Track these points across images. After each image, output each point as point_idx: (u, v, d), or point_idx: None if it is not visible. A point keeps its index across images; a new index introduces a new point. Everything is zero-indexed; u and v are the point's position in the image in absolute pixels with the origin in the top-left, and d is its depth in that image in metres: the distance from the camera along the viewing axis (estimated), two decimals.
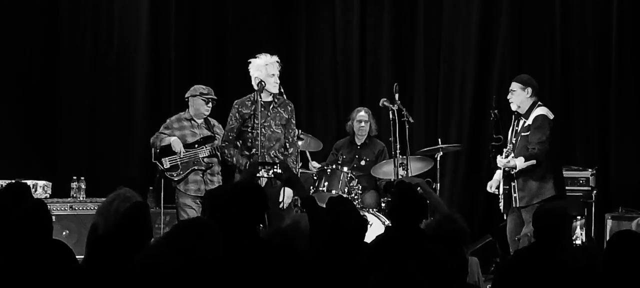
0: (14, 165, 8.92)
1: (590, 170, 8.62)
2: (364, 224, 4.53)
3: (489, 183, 7.60)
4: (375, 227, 7.43)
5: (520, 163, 7.14)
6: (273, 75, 7.01)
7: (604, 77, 9.20)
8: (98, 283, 3.98)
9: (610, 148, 9.19)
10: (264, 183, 6.54)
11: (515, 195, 7.25)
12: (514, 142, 7.28)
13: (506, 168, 7.23)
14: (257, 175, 5.71)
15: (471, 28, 9.57)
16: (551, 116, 7.30)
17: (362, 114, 8.68)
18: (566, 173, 8.20)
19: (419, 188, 5.44)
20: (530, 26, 9.50)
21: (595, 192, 8.57)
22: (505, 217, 7.41)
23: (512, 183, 7.25)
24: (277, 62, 7.07)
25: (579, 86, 9.31)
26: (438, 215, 5.19)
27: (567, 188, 7.92)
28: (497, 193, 7.49)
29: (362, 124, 8.66)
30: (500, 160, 7.21)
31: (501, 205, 7.40)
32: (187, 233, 3.48)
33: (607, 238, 7.92)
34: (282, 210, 6.70)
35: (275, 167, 5.60)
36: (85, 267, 4.15)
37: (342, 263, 3.97)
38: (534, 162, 7.15)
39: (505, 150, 7.23)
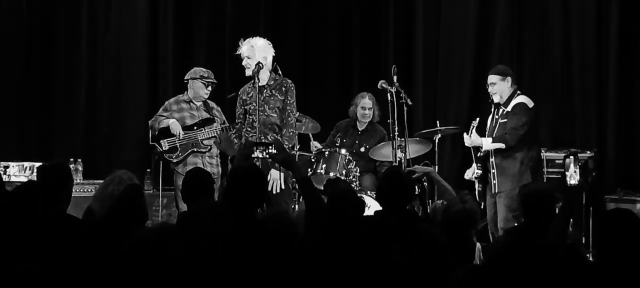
0: (11, 146, 8.91)
1: (589, 152, 8.61)
2: (361, 205, 4.52)
3: (467, 171, 7.63)
4: (373, 209, 7.39)
5: (486, 143, 7.22)
6: (243, 58, 6.91)
7: (603, 58, 9.17)
8: (93, 268, 3.96)
9: (609, 131, 9.17)
10: (259, 164, 6.53)
11: (494, 181, 7.28)
12: (493, 127, 7.32)
13: (471, 147, 7.29)
14: (252, 155, 5.66)
15: (470, 10, 9.55)
16: (531, 104, 7.34)
17: (366, 100, 8.62)
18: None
19: (423, 179, 5.39)
20: (529, 8, 9.47)
21: (594, 174, 8.55)
22: (482, 206, 7.43)
23: (492, 171, 7.27)
24: (248, 43, 6.94)
25: (578, 68, 9.28)
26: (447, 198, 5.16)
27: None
28: (474, 179, 7.52)
29: (366, 110, 8.61)
30: (467, 139, 7.25)
31: (477, 193, 7.42)
32: (201, 217, 3.40)
33: None
34: (278, 195, 6.68)
35: (270, 147, 5.52)
36: (80, 252, 4.13)
37: (339, 244, 3.96)
38: (502, 145, 7.20)
39: (471, 127, 7.25)
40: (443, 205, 4.92)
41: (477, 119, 7.35)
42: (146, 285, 3.24)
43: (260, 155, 5.57)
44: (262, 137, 6.75)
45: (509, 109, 7.29)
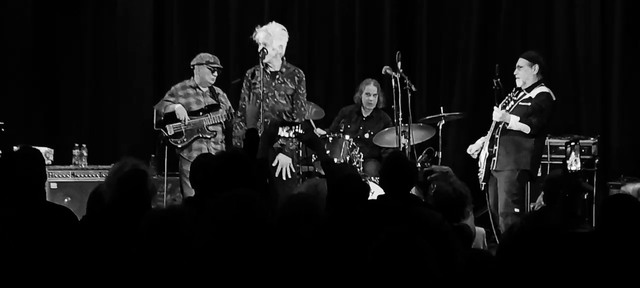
0: (17, 132, 8.93)
1: (592, 138, 8.63)
2: (365, 189, 4.54)
3: (470, 147, 7.66)
4: (377, 194, 7.41)
5: (514, 121, 7.25)
6: (259, 43, 6.85)
7: (607, 47, 9.20)
8: (99, 253, 3.99)
9: (613, 117, 9.19)
10: (293, 145, 6.54)
11: (495, 158, 7.34)
12: (508, 109, 7.33)
13: (499, 122, 7.32)
14: (278, 134, 5.64)
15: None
16: (554, 97, 7.41)
17: (371, 86, 8.63)
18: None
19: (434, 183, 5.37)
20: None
21: (597, 160, 8.58)
22: (482, 188, 7.47)
23: (495, 147, 7.31)
24: (265, 31, 6.87)
25: (583, 57, 9.29)
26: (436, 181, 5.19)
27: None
28: (476, 157, 7.55)
29: (371, 97, 8.62)
30: (497, 112, 7.27)
31: (481, 174, 7.45)
32: (233, 205, 3.33)
33: None
34: (285, 182, 6.67)
35: (296, 127, 5.51)
36: (86, 236, 4.15)
37: (343, 228, 3.98)
38: (526, 127, 7.25)
39: (502, 102, 7.28)
40: (433, 190, 4.96)
41: (511, 93, 7.38)
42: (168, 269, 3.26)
43: (286, 135, 5.55)
44: (268, 122, 6.74)
45: (532, 95, 7.33)
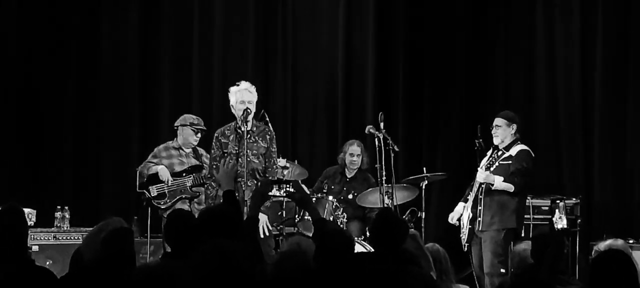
0: None
1: (574, 199, 8.66)
2: (350, 243, 4.52)
3: (451, 215, 7.70)
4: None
5: (498, 182, 7.29)
6: (242, 102, 6.85)
7: (588, 107, 9.29)
8: None
9: (595, 177, 9.25)
10: (269, 203, 6.52)
11: (479, 218, 7.34)
12: (492, 170, 7.36)
13: (483, 182, 7.34)
14: (269, 193, 5.63)
15: (456, 58, 9.64)
16: (533, 154, 7.50)
17: (354, 147, 8.65)
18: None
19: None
20: (515, 56, 9.59)
21: (579, 220, 8.60)
22: (464, 249, 7.49)
23: (479, 207, 7.34)
24: (247, 90, 6.90)
25: (564, 116, 9.37)
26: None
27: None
28: (458, 224, 7.57)
29: (354, 157, 8.63)
30: (481, 173, 7.30)
31: (464, 235, 7.47)
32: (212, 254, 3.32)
33: None
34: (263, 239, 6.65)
35: (288, 185, 5.54)
36: None
37: (331, 284, 3.96)
38: (511, 186, 7.30)
39: (484, 163, 7.31)
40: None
41: (491, 153, 7.41)
42: None
43: (278, 193, 5.57)
44: (244, 183, 6.72)
45: (512, 153, 7.40)
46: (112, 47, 9.87)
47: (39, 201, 9.16)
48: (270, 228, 6.81)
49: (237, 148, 6.78)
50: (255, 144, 6.91)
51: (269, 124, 7.22)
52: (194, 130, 7.88)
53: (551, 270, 4.67)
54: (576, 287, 4.83)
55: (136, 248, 7.09)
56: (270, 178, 6.66)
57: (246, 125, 6.78)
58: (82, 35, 9.84)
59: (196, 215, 6.96)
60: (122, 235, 4.36)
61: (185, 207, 7.63)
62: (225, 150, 6.88)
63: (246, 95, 6.88)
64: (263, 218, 6.67)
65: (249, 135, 6.87)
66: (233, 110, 6.93)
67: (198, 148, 7.94)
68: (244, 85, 6.97)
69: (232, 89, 6.96)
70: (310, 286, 3.95)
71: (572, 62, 9.37)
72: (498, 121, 7.54)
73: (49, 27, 9.72)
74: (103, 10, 9.87)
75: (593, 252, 5.84)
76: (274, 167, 6.98)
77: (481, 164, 7.40)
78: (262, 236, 6.62)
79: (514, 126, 7.52)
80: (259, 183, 6.48)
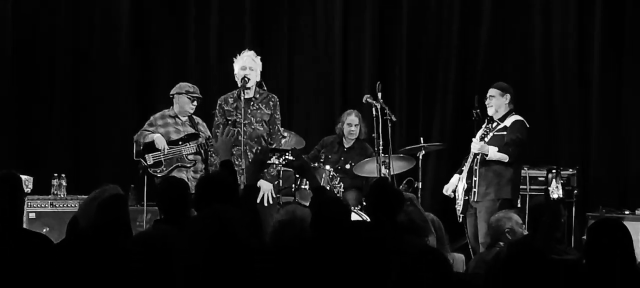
0: None
1: (571, 169, 8.68)
2: (347, 211, 4.52)
3: (446, 187, 7.71)
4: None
5: (492, 152, 7.30)
6: (243, 68, 6.83)
7: (585, 77, 9.29)
8: (78, 277, 3.94)
9: (591, 148, 9.26)
10: (277, 171, 6.49)
11: (474, 189, 7.35)
12: (487, 140, 7.36)
13: (477, 153, 7.34)
14: (268, 162, 5.62)
15: (453, 28, 9.63)
16: (527, 125, 7.49)
17: (352, 117, 8.64)
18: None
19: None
20: (511, 27, 9.57)
21: (576, 191, 8.62)
22: (459, 220, 7.50)
23: (474, 178, 7.34)
24: (248, 57, 6.89)
25: (561, 86, 9.38)
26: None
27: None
28: (453, 196, 7.57)
29: (352, 127, 8.62)
30: (476, 144, 7.30)
31: (459, 206, 7.48)
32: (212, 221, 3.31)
33: None
34: (266, 207, 6.65)
35: (287, 153, 5.52)
36: (62, 261, 4.10)
37: (327, 251, 3.97)
38: (505, 157, 7.30)
39: (479, 134, 7.31)
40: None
41: (486, 124, 7.41)
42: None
43: (277, 161, 5.56)
44: (248, 151, 6.74)
45: (507, 124, 7.40)
46: (106, 14, 9.83)
47: (36, 168, 9.17)
48: (274, 197, 6.80)
49: (239, 116, 6.75)
50: (258, 111, 6.89)
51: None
52: (190, 99, 7.86)
53: (546, 239, 4.69)
54: (572, 256, 4.85)
55: (133, 216, 7.21)
56: (269, 146, 6.64)
57: (244, 93, 6.76)
58: (76, 2, 9.80)
59: (192, 184, 7.10)
60: (116, 202, 4.36)
61: (183, 175, 7.61)
62: (228, 118, 6.87)
63: (247, 61, 6.86)
64: (268, 186, 6.68)
65: (252, 103, 6.87)
66: (236, 79, 6.90)
67: (194, 116, 7.93)
68: (246, 52, 6.96)
69: (237, 58, 6.95)
70: (308, 254, 3.96)
71: (569, 32, 9.35)
72: (492, 91, 7.54)
73: None
74: None
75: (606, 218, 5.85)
76: (279, 133, 6.96)
77: (476, 135, 7.39)
78: (265, 204, 6.63)
79: (508, 96, 7.51)
80: (258, 151, 6.47)
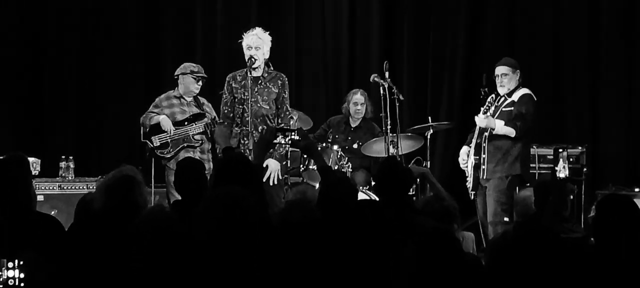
0: (3, 142, 8.86)
1: (580, 147, 8.64)
2: (353, 191, 4.50)
3: (460, 159, 7.62)
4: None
5: (499, 125, 7.24)
6: (249, 47, 6.75)
7: (594, 54, 9.24)
8: (88, 259, 3.94)
9: (601, 126, 9.22)
10: (283, 150, 6.47)
11: (483, 166, 7.31)
12: (493, 114, 7.31)
13: (483, 127, 7.30)
14: (274, 141, 5.60)
15: (461, 7, 9.57)
16: (535, 98, 7.41)
17: (358, 96, 8.60)
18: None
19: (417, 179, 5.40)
20: (520, 4, 9.51)
21: (585, 169, 8.59)
22: (471, 197, 7.45)
23: (482, 155, 7.29)
24: (255, 35, 6.78)
25: (569, 64, 9.34)
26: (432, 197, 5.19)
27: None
28: (466, 168, 7.52)
29: (358, 106, 8.58)
30: (481, 119, 7.24)
31: (469, 183, 7.44)
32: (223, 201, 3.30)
33: None
34: (273, 186, 6.63)
35: (293, 133, 5.47)
36: (74, 243, 4.10)
37: (335, 231, 3.96)
38: (512, 131, 7.23)
39: (483, 108, 7.26)
40: (420, 203, 4.95)
41: (490, 99, 7.36)
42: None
43: (283, 141, 5.52)
44: (254, 129, 6.69)
45: (515, 98, 7.34)
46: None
47: (44, 151, 9.17)
48: (281, 177, 6.76)
49: (246, 94, 6.70)
50: (265, 90, 6.81)
51: None
52: (194, 78, 7.84)
53: (553, 218, 4.66)
54: (578, 233, 4.83)
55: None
56: (275, 126, 6.60)
57: (251, 72, 6.70)
58: None
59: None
60: (124, 183, 4.33)
61: (189, 156, 7.60)
62: (235, 95, 6.81)
63: (253, 40, 6.77)
64: (276, 165, 6.63)
65: (260, 81, 6.81)
66: (245, 58, 6.84)
67: (199, 96, 7.90)
68: (254, 30, 6.87)
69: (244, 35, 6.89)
70: (316, 235, 3.94)
71: (579, 8, 9.29)
72: (503, 69, 7.44)
73: None
74: None
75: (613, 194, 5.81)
76: (287, 113, 6.88)
77: (481, 110, 7.33)
78: (271, 183, 6.60)
79: (518, 71, 7.45)
80: (264, 131, 6.42)
